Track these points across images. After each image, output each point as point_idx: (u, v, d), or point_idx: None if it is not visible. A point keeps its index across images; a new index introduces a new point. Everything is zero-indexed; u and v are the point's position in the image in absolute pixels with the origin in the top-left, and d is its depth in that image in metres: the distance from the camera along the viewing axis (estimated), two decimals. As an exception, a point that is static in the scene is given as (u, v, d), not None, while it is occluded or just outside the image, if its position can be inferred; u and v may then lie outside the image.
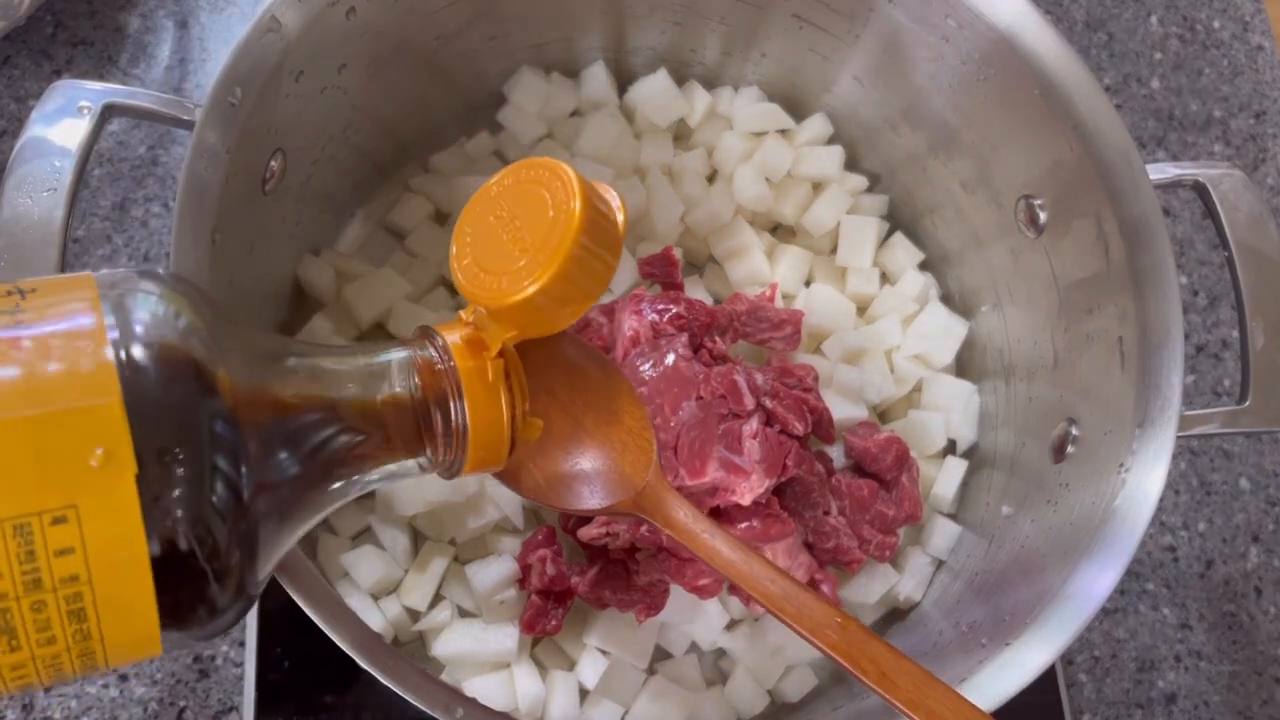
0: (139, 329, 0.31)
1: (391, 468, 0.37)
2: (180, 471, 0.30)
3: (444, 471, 0.39)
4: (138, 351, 0.30)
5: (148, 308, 0.32)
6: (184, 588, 0.31)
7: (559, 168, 0.38)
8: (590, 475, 0.44)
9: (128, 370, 0.29)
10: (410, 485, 0.55)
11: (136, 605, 0.30)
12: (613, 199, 0.40)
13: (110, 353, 0.30)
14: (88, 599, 0.29)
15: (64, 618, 0.29)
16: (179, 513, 0.30)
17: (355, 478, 0.36)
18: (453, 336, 0.38)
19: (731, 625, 0.57)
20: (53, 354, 0.29)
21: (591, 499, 0.44)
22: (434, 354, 0.38)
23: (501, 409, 0.38)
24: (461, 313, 0.40)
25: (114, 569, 0.29)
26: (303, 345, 0.37)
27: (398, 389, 0.37)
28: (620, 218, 0.39)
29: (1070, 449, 0.52)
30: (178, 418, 0.30)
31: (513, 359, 0.39)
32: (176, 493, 0.30)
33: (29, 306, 0.30)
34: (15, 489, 0.28)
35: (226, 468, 0.31)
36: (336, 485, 0.36)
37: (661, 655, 0.57)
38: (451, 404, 0.37)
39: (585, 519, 0.53)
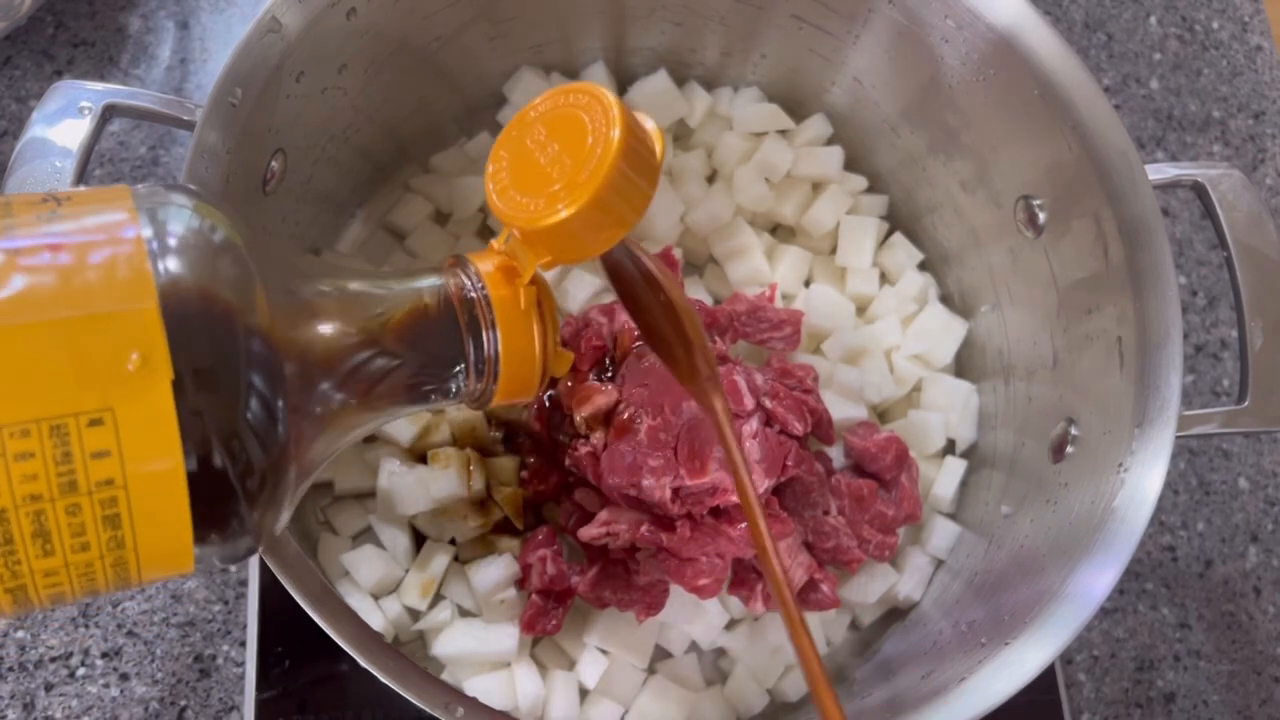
0: (175, 239, 0.31)
1: (422, 395, 0.37)
2: (217, 383, 0.30)
3: (473, 402, 0.39)
4: (174, 261, 0.30)
5: (183, 219, 0.32)
6: (218, 503, 0.31)
7: (600, 93, 0.37)
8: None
9: (165, 278, 0.29)
10: (411, 485, 0.55)
11: (171, 516, 0.30)
12: (651, 128, 0.39)
13: (148, 261, 0.30)
14: (123, 504, 0.29)
15: (99, 523, 0.29)
16: (215, 424, 0.30)
17: (385, 402, 0.36)
18: (485, 265, 0.38)
19: (731, 625, 0.57)
20: (90, 258, 0.29)
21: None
22: (467, 281, 0.37)
23: (534, 338, 0.38)
24: (494, 241, 0.39)
25: (150, 474, 0.29)
26: (336, 267, 0.37)
27: (431, 315, 0.36)
28: (659, 147, 0.39)
29: (1069, 449, 0.52)
30: (215, 330, 0.30)
31: (544, 288, 0.39)
32: (213, 404, 0.30)
33: (65, 213, 0.30)
34: (52, 389, 0.27)
35: (261, 384, 0.31)
36: (368, 409, 0.36)
37: (661, 655, 0.57)
38: (484, 332, 0.37)
39: (586, 518, 0.53)
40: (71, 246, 0.29)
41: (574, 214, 0.36)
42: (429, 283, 0.37)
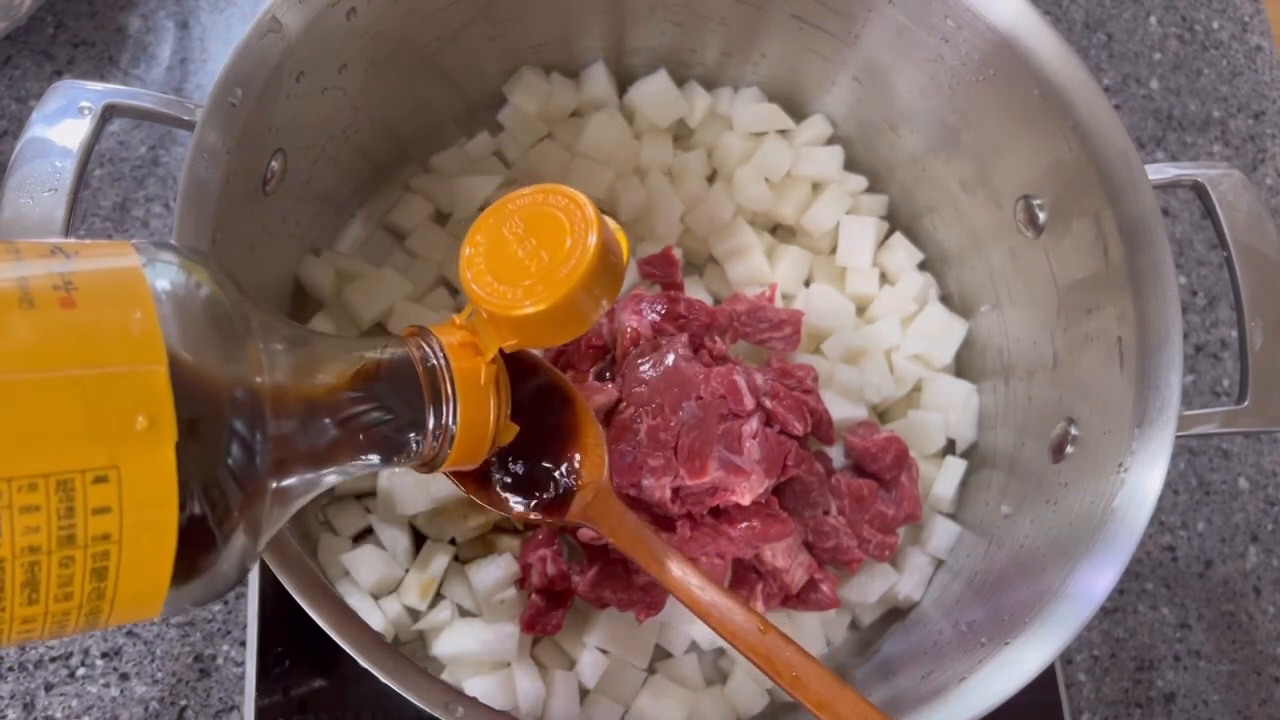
0: (176, 299, 0.31)
1: (378, 456, 0.38)
2: (210, 440, 0.31)
3: (422, 466, 0.41)
4: (176, 321, 0.31)
5: (180, 278, 0.32)
6: (198, 552, 0.31)
7: (579, 199, 0.40)
8: (543, 481, 0.45)
9: (172, 339, 0.30)
10: (411, 485, 0.55)
11: (155, 567, 0.30)
12: (616, 229, 0.42)
13: (158, 320, 0.30)
14: (114, 559, 0.29)
15: (86, 575, 0.29)
16: (209, 481, 0.31)
17: (351, 462, 0.38)
18: (449, 338, 0.40)
19: (731, 625, 0.57)
20: (103, 315, 0.30)
21: (536, 505, 0.45)
22: (429, 352, 0.39)
23: (490, 411, 0.40)
24: (455, 316, 0.41)
25: (144, 531, 0.29)
26: (307, 331, 0.38)
27: (399, 381, 0.38)
28: (624, 251, 0.41)
29: (1069, 449, 0.52)
30: (213, 389, 0.31)
31: (501, 366, 0.41)
32: (205, 460, 0.30)
33: (78, 267, 0.31)
34: (63, 445, 0.28)
35: (254, 441, 0.32)
36: (335, 468, 0.37)
37: (661, 655, 0.57)
38: (445, 404, 0.39)
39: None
40: (87, 301, 0.30)
41: (544, 310, 0.38)
42: (396, 351, 0.39)
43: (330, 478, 0.37)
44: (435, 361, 0.39)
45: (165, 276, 0.32)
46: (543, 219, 0.40)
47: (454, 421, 0.39)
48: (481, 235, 0.41)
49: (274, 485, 0.33)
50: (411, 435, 0.39)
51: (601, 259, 0.39)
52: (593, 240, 0.38)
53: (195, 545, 0.31)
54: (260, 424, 0.32)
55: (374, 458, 0.38)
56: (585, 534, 0.52)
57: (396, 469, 0.40)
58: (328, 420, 0.36)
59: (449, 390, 0.39)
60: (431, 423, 0.39)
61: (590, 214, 0.39)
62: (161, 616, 0.33)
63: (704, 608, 0.43)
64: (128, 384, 0.29)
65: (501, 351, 0.41)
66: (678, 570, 0.43)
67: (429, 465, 0.41)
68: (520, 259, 0.40)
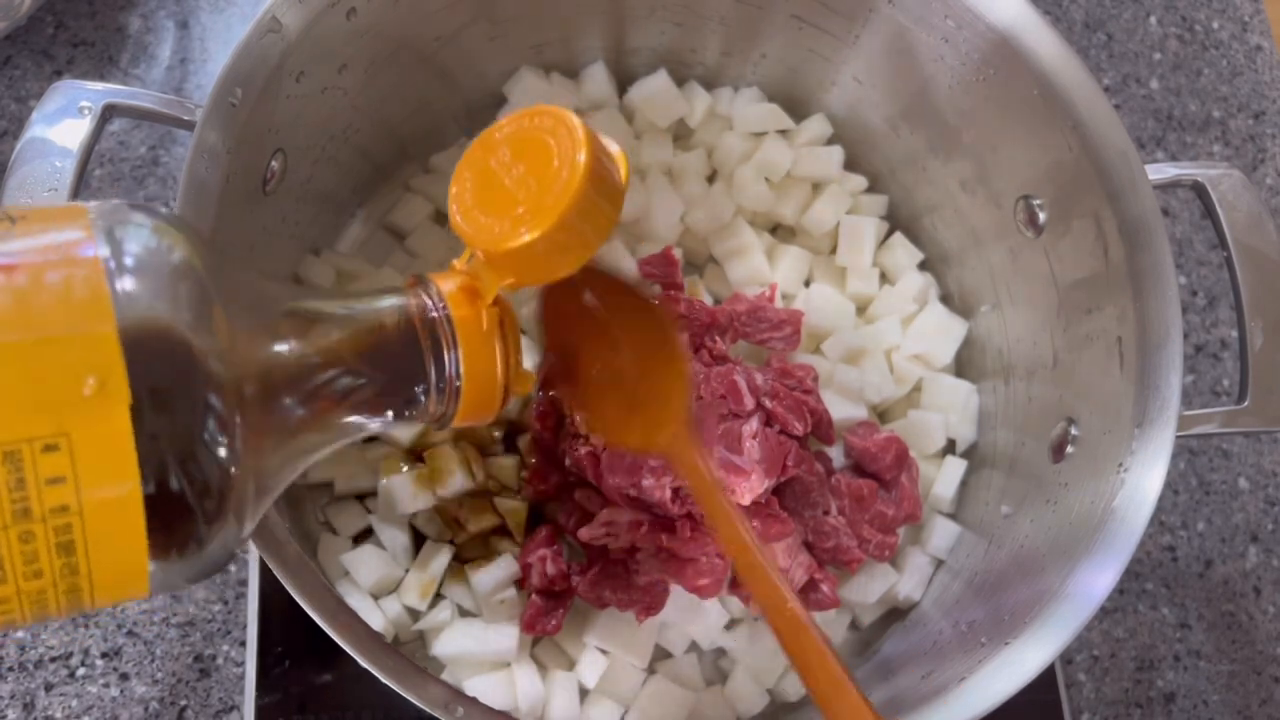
0: (132, 259, 0.30)
1: (382, 415, 0.37)
2: (173, 406, 0.29)
3: (434, 423, 0.39)
4: (131, 282, 0.29)
5: (141, 239, 0.31)
6: (175, 526, 0.30)
7: (566, 116, 0.37)
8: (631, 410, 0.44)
9: (123, 300, 0.29)
10: (411, 485, 0.55)
11: (126, 541, 0.29)
12: (615, 151, 0.39)
13: (105, 281, 0.29)
14: (77, 531, 0.28)
15: (52, 550, 0.28)
16: (171, 447, 0.29)
17: (346, 424, 0.36)
18: (448, 285, 0.38)
19: (731, 625, 0.57)
20: (45, 279, 0.28)
21: (630, 435, 0.45)
22: (429, 301, 0.37)
23: (496, 359, 0.38)
24: (455, 261, 0.39)
25: (105, 501, 0.28)
26: (297, 288, 0.37)
27: (391, 336, 0.36)
28: (623, 169, 0.39)
29: (1069, 449, 0.52)
30: (172, 353, 0.30)
31: (507, 308, 0.39)
32: (169, 426, 0.29)
33: (20, 231, 0.30)
34: (6, 415, 0.27)
35: (218, 405, 0.30)
36: (327, 430, 0.36)
37: (661, 655, 0.57)
38: (446, 353, 0.37)
39: (586, 519, 0.53)
40: (26, 266, 0.28)
41: (538, 237, 0.36)
42: (391, 303, 0.37)
43: (321, 445, 0.36)
44: (435, 313, 0.37)
45: (122, 237, 0.30)
46: (529, 144, 0.38)
47: (458, 375, 0.37)
48: (468, 171, 0.39)
49: (255, 455, 0.32)
50: (413, 393, 0.37)
51: (593, 177, 0.36)
52: (581, 157, 0.36)
53: (169, 518, 0.30)
54: (234, 393, 0.31)
55: (371, 420, 0.36)
56: (585, 534, 0.52)
57: (405, 427, 0.38)
58: (315, 387, 0.34)
59: (450, 340, 0.37)
60: (434, 378, 0.37)
61: (578, 133, 0.36)
62: (152, 593, 0.32)
63: (755, 571, 0.41)
64: (72, 347, 0.28)
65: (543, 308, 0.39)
66: (741, 525, 0.41)
67: (439, 422, 0.38)
68: (508, 189, 0.37)
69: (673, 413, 0.44)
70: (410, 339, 0.36)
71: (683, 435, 0.43)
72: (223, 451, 0.30)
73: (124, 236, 0.31)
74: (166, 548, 0.30)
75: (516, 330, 0.39)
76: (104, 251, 0.30)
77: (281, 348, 0.34)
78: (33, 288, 0.28)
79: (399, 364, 0.36)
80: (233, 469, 0.31)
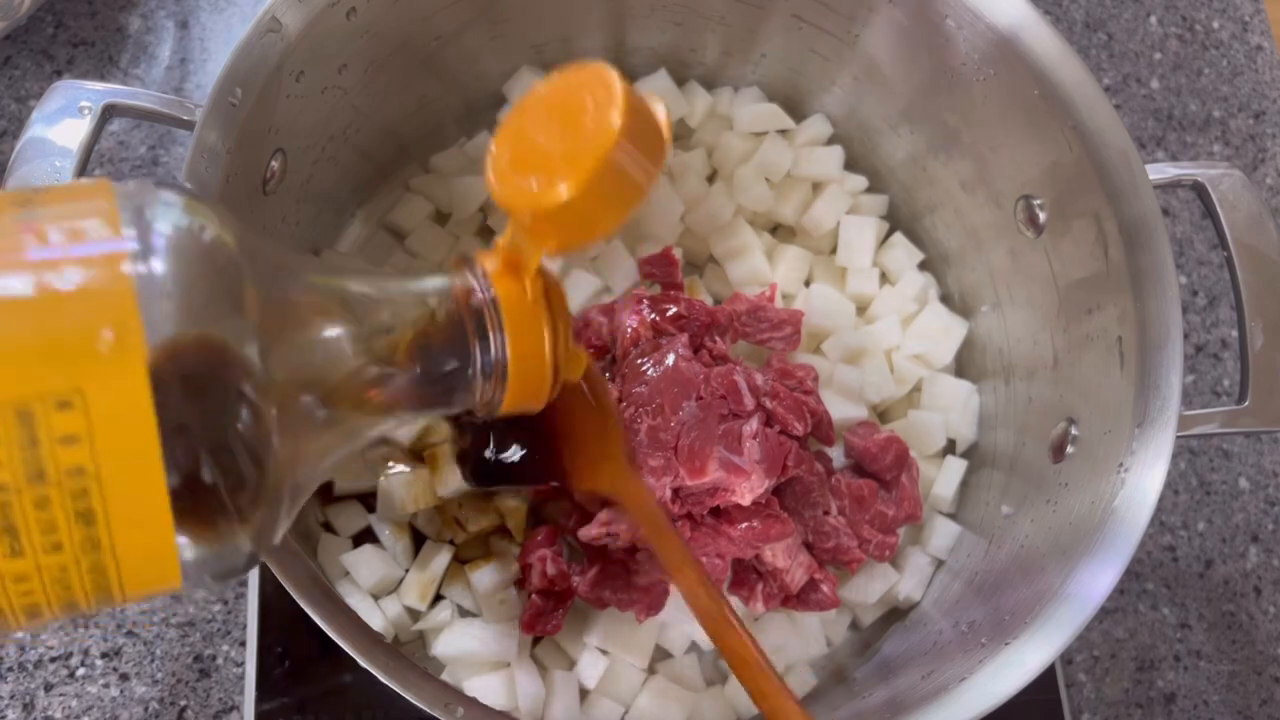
0: (159, 236, 0.29)
1: (425, 403, 0.35)
2: (201, 389, 0.28)
3: (482, 409, 0.37)
4: (157, 257, 0.28)
5: (169, 216, 0.30)
6: (203, 506, 0.29)
7: (603, 70, 0.36)
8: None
9: (144, 273, 0.28)
10: (411, 485, 0.55)
11: (148, 510, 0.27)
12: (659, 108, 0.37)
13: (126, 255, 0.28)
14: (95, 496, 0.27)
15: (71, 519, 0.27)
16: (200, 432, 0.28)
17: (384, 410, 0.35)
18: (490, 263, 0.36)
19: (731, 625, 0.57)
20: (66, 249, 0.27)
21: (582, 480, 0.49)
22: (473, 281, 0.36)
23: (543, 336, 0.36)
24: (499, 238, 0.38)
25: (124, 464, 0.27)
26: (339, 268, 0.35)
27: (434, 318, 0.35)
28: (665, 126, 0.37)
29: (1070, 449, 0.52)
30: (199, 332, 0.28)
31: (554, 283, 0.37)
32: (197, 411, 0.28)
33: (41, 201, 0.29)
34: (17, 370, 0.26)
35: (249, 390, 0.29)
36: (365, 417, 0.34)
37: (661, 655, 0.57)
38: (491, 335, 0.35)
39: (586, 519, 0.53)
40: (47, 236, 0.27)
41: (574, 187, 0.34)
42: (433, 283, 0.36)
43: (364, 434, 0.34)
44: (481, 293, 0.35)
45: (149, 215, 0.29)
46: (567, 101, 0.36)
47: (504, 355, 0.35)
48: (505, 135, 0.37)
49: (290, 444, 0.30)
50: (458, 380, 0.35)
51: (628, 128, 0.33)
52: (616, 110, 0.33)
53: (197, 502, 0.28)
54: (266, 377, 0.29)
55: (413, 412, 0.35)
56: (585, 534, 0.52)
57: (451, 414, 0.37)
58: (352, 372, 0.32)
59: (495, 321, 0.35)
60: (480, 360, 0.35)
61: (613, 81, 0.34)
62: (184, 584, 0.30)
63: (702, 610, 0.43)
64: (87, 300, 0.26)
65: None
66: (691, 572, 0.44)
67: (487, 408, 0.37)
68: (543, 147, 0.35)
69: (610, 453, 0.48)
70: (453, 320, 0.35)
71: (623, 469, 0.48)
72: (254, 439, 0.29)
73: (151, 214, 0.29)
74: (195, 533, 0.29)
75: (566, 308, 0.38)
76: (128, 229, 0.29)
77: (320, 332, 0.32)
78: (51, 258, 0.27)
79: (440, 347, 0.35)
80: (265, 457, 0.30)
